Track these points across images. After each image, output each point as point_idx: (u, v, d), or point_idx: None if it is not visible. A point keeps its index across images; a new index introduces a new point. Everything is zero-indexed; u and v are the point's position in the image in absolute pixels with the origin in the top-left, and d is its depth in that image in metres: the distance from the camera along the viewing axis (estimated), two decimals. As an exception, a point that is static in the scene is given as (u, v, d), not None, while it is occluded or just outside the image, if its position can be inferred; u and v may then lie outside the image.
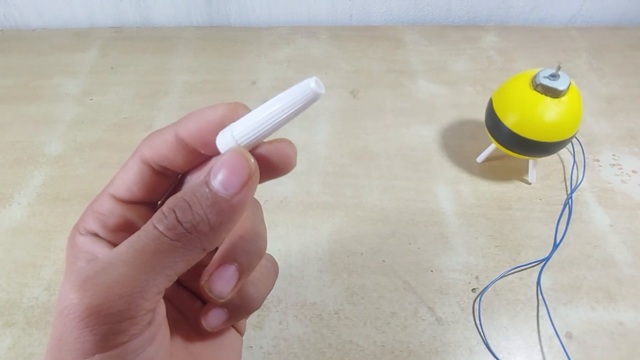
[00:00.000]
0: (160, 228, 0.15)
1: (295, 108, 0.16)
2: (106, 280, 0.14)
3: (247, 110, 0.17)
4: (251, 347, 0.34)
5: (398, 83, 0.57)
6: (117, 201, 0.18)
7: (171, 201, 0.15)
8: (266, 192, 0.44)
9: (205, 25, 0.67)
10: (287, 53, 0.61)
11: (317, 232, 0.41)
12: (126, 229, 0.18)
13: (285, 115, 0.16)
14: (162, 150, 0.18)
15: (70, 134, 0.50)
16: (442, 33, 0.65)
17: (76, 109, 0.53)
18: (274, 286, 0.35)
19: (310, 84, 0.15)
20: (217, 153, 0.17)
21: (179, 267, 0.15)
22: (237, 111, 0.17)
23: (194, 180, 0.19)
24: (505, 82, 0.42)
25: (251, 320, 0.35)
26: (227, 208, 0.15)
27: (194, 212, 0.15)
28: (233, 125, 0.16)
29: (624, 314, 0.36)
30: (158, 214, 0.15)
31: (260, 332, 0.35)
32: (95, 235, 0.18)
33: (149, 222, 0.15)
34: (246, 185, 0.15)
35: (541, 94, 0.38)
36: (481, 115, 0.45)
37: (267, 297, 0.37)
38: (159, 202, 0.20)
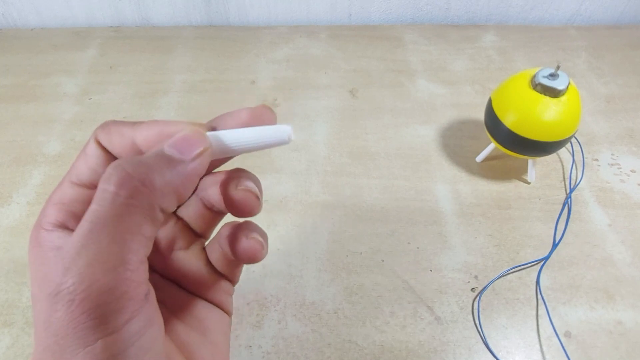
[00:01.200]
0: (110, 188, 0.14)
1: (264, 143, 0.18)
2: (85, 262, 0.14)
3: (206, 131, 0.18)
4: (250, 346, 0.34)
5: (397, 82, 0.57)
6: (80, 187, 0.18)
7: (117, 160, 0.15)
8: (265, 191, 0.44)
9: (205, 24, 0.67)
10: (286, 52, 0.61)
11: (316, 231, 0.41)
12: None
13: (253, 145, 0.18)
14: (118, 149, 0.18)
15: (69, 134, 0.50)
16: (441, 32, 0.65)
17: (75, 108, 0.53)
18: (273, 285, 0.35)
19: (285, 134, 0.18)
20: None
21: (147, 229, 0.15)
22: (199, 132, 0.17)
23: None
24: (505, 82, 0.42)
25: (250, 319, 0.35)
26: (182, 170, 0.16)
27: (146, 165, 0.15)
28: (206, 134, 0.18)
29: (623, 313, 0.36)
30: (104, 174, 0.15)
31: (259, 332, 0.35)
32: (64, 227, 0.17)
33: (98, 188, 0.15)
34: (201, 155, 0.16)
35: (540, 93, 0.38)
36: (480, 115, 0.45)
37: (267, 296, 0.37)
38: None
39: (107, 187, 0.14)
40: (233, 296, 0.26)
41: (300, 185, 0.45)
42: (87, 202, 0.16)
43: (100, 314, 0.13)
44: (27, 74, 0.57)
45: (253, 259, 0.20)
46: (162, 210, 0.15)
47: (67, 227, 0.17)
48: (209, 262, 0.22)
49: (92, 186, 0.18)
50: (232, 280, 0.23)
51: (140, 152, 0.17)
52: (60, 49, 0.61)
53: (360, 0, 0.65)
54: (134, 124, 0.18)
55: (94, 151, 0.18)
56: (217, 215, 0.21)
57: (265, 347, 0.34)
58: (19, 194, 0.44)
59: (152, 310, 0.15)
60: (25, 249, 0.39)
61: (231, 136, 0.18)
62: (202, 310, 0.21)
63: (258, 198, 0.19)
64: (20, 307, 0.36)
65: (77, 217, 0.17)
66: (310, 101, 0.54)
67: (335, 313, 0.36)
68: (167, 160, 0.15)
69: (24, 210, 0.42)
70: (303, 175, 0.46)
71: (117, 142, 0.17)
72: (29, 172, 0.46)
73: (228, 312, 0.23)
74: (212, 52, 0.61)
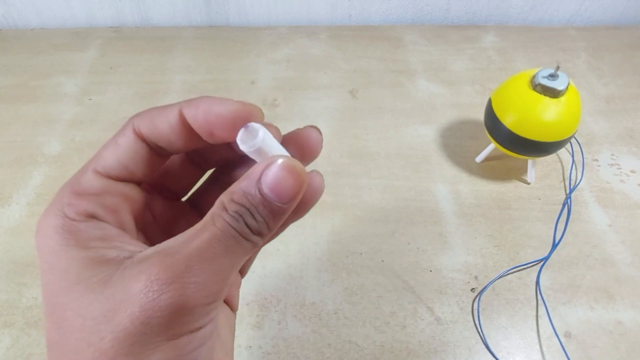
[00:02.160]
0: (236, 228, 0.16)
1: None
2: (208, 271, 0.15)
3: (261, 112, 0.18)
4: (250, 347, 0.34)
5: (397, 83, 0.57)
6: (107, 179, 0.17)
7: (234, 205, 0.16)
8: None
9: (205, 25, 0.67)
10: (286, 53, 0.61)
11: (317, 231, 0.41)
12: (123, 209, 0.18)
13: None
14: (163, 130, 0.17)
15: (69, 134, 0.50)
16: (441, 33, 0.65)
17: (75, 108, 0.53)
18: (273, 286, 0.35)
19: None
20: (222, 141, 0.17)
21: (244, 260, 0.17)
22: (253, 113, 0.17)
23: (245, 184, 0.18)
24: (504, 82, 0.42)
25: (250, 320, 0.35)
26: (281, 213, 0.17)
27: (257, 221, 0.16)
28: (265, 131, 0.17)
29: (623, 313, 0.36)
30: (228, 213, 0.16)
31: (259, 332, 0.35)
32: (96, 217, 0.16)
33: (222, 221, 0.16)
34: (297, 195, 0.17)
35: (540, 93, 0.38)
36: (480, 115, 0.45)
37: (267, 297, 0.37)
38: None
39: (232, 224, 0.16)
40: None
41: (300, 185, 0.45)
42: (118, 195, 0.17)
43: (196, 313, 0.15)
44: (27, 74, 0.57)
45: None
46: (264, 243, 0.17)
47: (99, 218, 0.17)
48: None
49: (120, 179, 0.18)
50: (242, 271, 0.24)
51: (190, 131, 0.17)
52: (60, 49, 0.61)
53: (361, 0, 0.66)
54: (179, 104, 0.17)
55: (128, 143, 0.17)
56: None
57: (266, 348, 0.34)
58: (19, 195, 0.44)
59: (217, 318, 0.17)
60: (25, 250, 0.39)
61: (277, 148, 0.17)
62: None
63: (320, 133, 0.20)
64: (20, 307, 0.36)
65: (109, 209, 0.17)
66: (310, 101, 0.54)
67: (335, 313, 0.36)
68: (270, 211, 0.16)
69: (24, 210, 0.42)
70: (303, 175, 0.46)
71: (163, 127, 0.17)
72: (29, 172, 0.46)
73: (234, 308, 0.23)
74: (212, 53, 0.61)
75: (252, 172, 0.16)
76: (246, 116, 0.17)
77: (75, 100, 0.54)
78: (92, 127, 0.50)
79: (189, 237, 0.16)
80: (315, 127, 0.19)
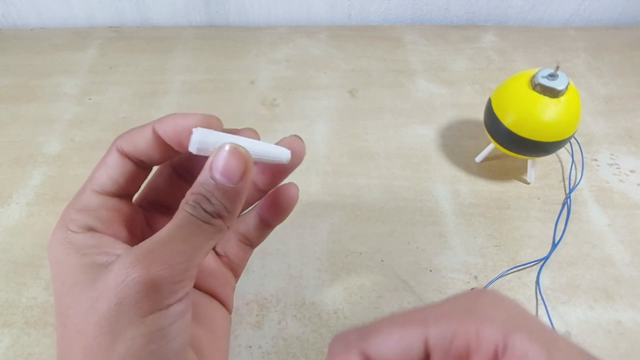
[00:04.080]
0: (195, 215, 0.18)
1: (265, 158, 0.21)
2: (169, 253, 0.17)
3: (220, 122, 0.21)
4: (250, 347, 0.34)
5: (397, 82, 0.57)
6: (102, 195, 0.20)
7: (193, 195, 0.19)
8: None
9: (204, 24, 0.67)
10: (286, 53, 0.61)
11: (316, 231, 0.41)
12: (117, 220, 0.21)
13: (261, 156, 0.21)
14: (142, 146, 0.20)
15: (68, 134, 0.50)
16: (441, 33, 0.65)
17: (75, 108, 0.53)
18: (273, 286, 0.36)
19: (285, 155, 0.22)
20: (188, 151, 0.20)
21: (212, 243, 0.19)
22: (211, 122, 0.20)
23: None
24: (504, 82, 0.42)
25: (250, 320, 0.35)
26: (236, 194, 0.19)
27: (213, 204, 0.19)
28: (211, 131, 0.19)
29: (622, 313, 0.36)
30: (187, 202, 0.19)
31: (259, 332, 0.35)
32: (92, 229, 0.19)
33: (183, 209, 0.19)
34: (245, 173, 0.19)
35: (540, 93, 0.38)
36: (480, 115, 0.45)
37: (266, 297, 0.37)
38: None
39: (193, 214, 0.18)
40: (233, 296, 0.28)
41: (300, 184, 0.44)
42: (112, 209, 0.21)
43: (159, 297, 0.17)
44: (27, 74, 0.57)
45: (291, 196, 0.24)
46: (229, 227, 0.20)
47: (95, 230, 0.20)
48: (217, 257, 0.25)
49: (114, 194, 0.21)
50: (238, 274, 0.26)
51: (163, 144, 0.20)
52: (60, 49, 0.61)
53: (360, 0, 0.66)
54: (152, 122, 0.20)
55: (114, 161, 0.21)
56: None
57: (265, 348, 0.34)
58: (18, 195, 0.44)
59: (189, 302, 0.19)
60: (24, 250, 0.39)
61: (249, 144, 0.20)
62: (207, 304, 0.24)
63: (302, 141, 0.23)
64: (20, 307, 0.36)
65: (104, 222, 0.20)
66: (310, 101, 0.54)
67: (335, 313, 0.36)
68: (224, 193, 0.19)
69: (23, 210, 0.42)
70: (303, 175, 0.46)
71: (140, 143, 0.20)
72: (28, 172, 0.46)
73: (229, 308, 0.26)
74: (212, 52, 0.61)
75: (205, 164, 0.19)
76: (206, 126, 0.19)
77: (75, 100, 0.54)
78: (92, 127, 0.50)
79: (158, 232, 0.18)
80: (297, 136, 0.23)
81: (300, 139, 0.23)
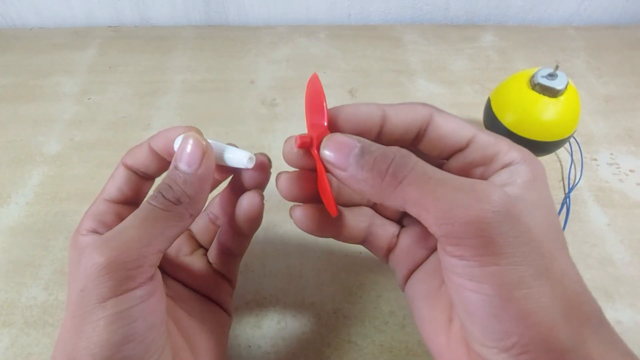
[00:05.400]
0: (154, 203, 0.20)
1: (228, 157, 0.24)
2: (123, 238, 0.19)
3: (200, 132, 0.23)
4: (250, 346, 0.34)
5: (397, 82, 0.57)
6: (110, 202, 0.24)
7: (159, 185, 0.21)
8: (265, 191, 0.44)
9: (204, 24, 0.67)
10: (285, 52, 0.61)
11: (316, 231, 0.41)
12: (115, 222, 0.22)
13: (226, 159, 0.24)
14: (140, 159, 0.24)
15: (68, 133, 0.50)
16: (440, 32, 0.65)
17: (74, 108, 0.53)
18: (273, 285, 0.36)
19: (245, 160, 0.23)
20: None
21: (173, 230, 0.21)
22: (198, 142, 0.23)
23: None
24: (503, 82, 0.42)
25: (250, 319, 0.35)
26: (197, 180, 0.21)
27: (174, 190, 0.20)
28: (180, 137, 0.23)
29: (622, 312, 0.36)
30: (151, 194, 0.21)
31: (258, 332, 0.35)
32: (96, 232, 0.22)
33: (145, 201, 0.21)
34: (204, 159, 0.21)
35: (539, 93, 0.38)
36: (479, 115, 0.45)
37: (266, 296, 0.37)
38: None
39: (151, 202, 0.21)
40: (233, 296, 0.31)
41: (300, 185, 0.45)
42: (115, 214, 0.24)
43: (118, 278, 0.19)
44: (26, 74, 0.57)
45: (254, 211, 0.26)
46: (192, 215, 0.21)
47: (98, 232, 0.22)
48: (209, 265, 0.28)
49: (119, 201, 0.24)
50: (231, 280, 0.29)
51: (157, 156, 0.24)
52: (59, 49, 0.61)
53: (360, 0, 0.66)
54: (148, 139, 0.24)
55: (120, 174, 0.24)
56: (218, 228, 0.29)
57: (265, 347, 0.34)
58: (18, 194, 0.44)
59: (155, 287, 0.20)
60: (24, 249, 0.39)
61: (212, 142, 0.23)
62: (203, 304, 0.26)
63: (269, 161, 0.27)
64: (19, 307, 0.36)
65: (106, 225, 0.23)
66: (309, 101, 0.54)
67: (334, 313, 0.36)
68: (184, 180, 0.21)
69: (22, 210, 0.42)
70: (302, 175, 0.46)
71: (140, 157, 0.24)
72: (28, 172, 0.46)
73: (227, 311, 0.28)
74: (211, 52, 0.61)
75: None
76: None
77: (74, 100, 0.54)
78: (92, 127, 0.50)
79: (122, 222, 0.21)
80: (264, 154, 0.26)
81: (266, 155, 0.26)
